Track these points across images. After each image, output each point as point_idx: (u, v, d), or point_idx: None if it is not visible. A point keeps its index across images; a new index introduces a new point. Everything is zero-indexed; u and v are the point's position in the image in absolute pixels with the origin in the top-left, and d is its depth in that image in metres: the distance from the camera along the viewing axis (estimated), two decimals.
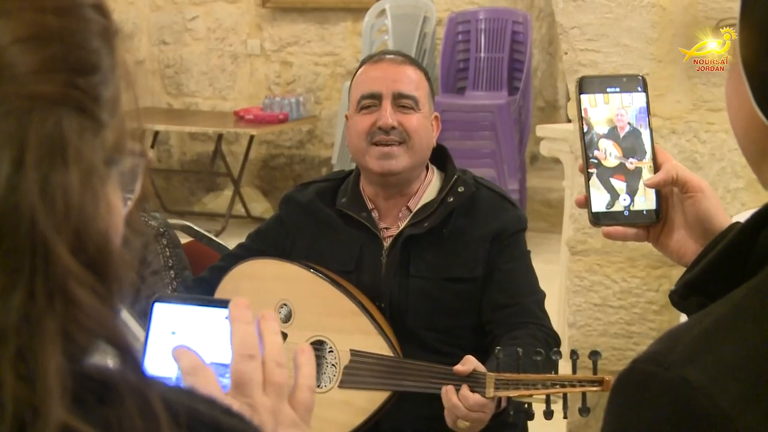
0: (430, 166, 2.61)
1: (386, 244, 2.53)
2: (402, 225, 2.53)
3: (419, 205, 2.54)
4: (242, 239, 2.75)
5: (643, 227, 1.38)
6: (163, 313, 1.05)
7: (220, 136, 7.29)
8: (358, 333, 2.43)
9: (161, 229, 2.65)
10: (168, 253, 2.62)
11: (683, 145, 2.98)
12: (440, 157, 2.62)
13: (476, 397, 2.20)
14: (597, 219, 1.37)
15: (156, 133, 7.53)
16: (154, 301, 1.04)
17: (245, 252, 2.68)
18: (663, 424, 0.85)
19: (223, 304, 1.01)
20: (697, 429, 0.83)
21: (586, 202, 1.37)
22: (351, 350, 2.43)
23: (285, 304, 2.53)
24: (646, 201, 1.38)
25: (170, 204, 7.64)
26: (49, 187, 0.70)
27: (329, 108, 7.47)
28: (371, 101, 2.52)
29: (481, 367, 2.24)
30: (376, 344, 2.41)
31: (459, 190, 2.52)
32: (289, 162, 7.70)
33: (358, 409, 2.42)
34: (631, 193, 1.38)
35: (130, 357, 0.74)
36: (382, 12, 7.01)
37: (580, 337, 3.19)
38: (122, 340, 0.73)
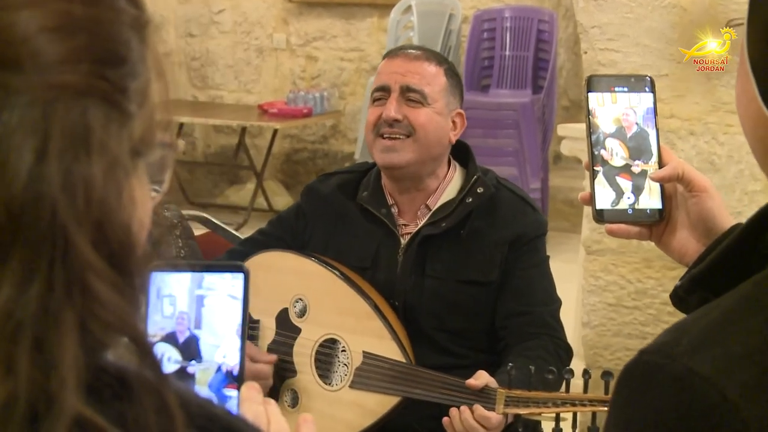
0: (453, 163, 2.59)
1: (403, 241, 2.52)
2: (420, 223, 2.51)
3: (439, 204, 2.52)
4: None
5: (646, 226, 1.39)
6: (157, 278, 1.06)
7: (243, 130, 7.31)
8: (372, 336, 2.43)
9: (174, 220, 2.67)
10: (180, 244, 2.64)
11: (701, 146, 2.97)
12: (463, 155, 2.61)
13: (497, 417, 2.20)
14: (601, 216, 1.39)
15: (181, 125, 7.56)
16: None
17: (264, 237, 2.68)
18: (670, 414, 0.85)
19: (210, 268, 1.04)
20: (704, 419, 0.83)
21: (590, 199, 1.38)
22: (364, 352, 2.43)
23: (300, 299, 2.53)
24: (650, 200, 1.39)
25: (193, 196, 7.67)
26: (72, 178, 0.69)
27: (353, 103, 7.48)
28: (381, 94, 2.53)
29: (493, 383, 2.23)
30: (389, 349, 2.41)
31: (478, 190, 2.50)
32: (312, 156, 7.72)
33: (367, 411, 2.42)
34: (636, 191, 1.39)
35: (149, 354, 0.73)
36: (408, 8, 7.01)
37: (593, 336, 3.18)
38: (141, 335, 0.73)
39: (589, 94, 1.41)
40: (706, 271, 1.01)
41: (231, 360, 1.07)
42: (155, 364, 0.73)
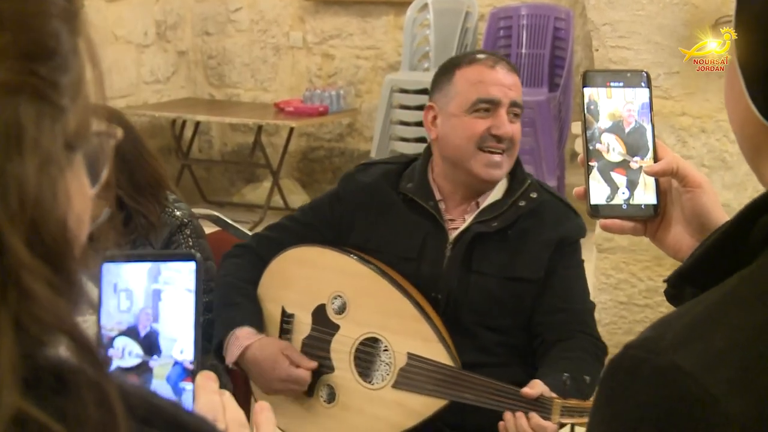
0: None
1: (451, 236, 2.52)
2: (468, 220, 2.53)
3: (487, 203, 2.54)
4: None
5: (640, 221, 1.38)
6: (112, 272, 1.06)
7: (260, 128, 7.32)
8: (418, 338, 2.43)
9: (185, 219, 2.65)
10: (191, 243, 2.63)
11: (713, 144, 2.96)
12: None
13: (553, 427, 2.20)
14: (595, 211, 1.38)
15: (197, 124, 7.58)
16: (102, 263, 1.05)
17: (293, 224, 2.67)
18: (653, 409, 0.85)
19: (168, 257, 1.04)
20: (687, 414, 0.84)
21: (585, 194, 1.38)
22: (408, 353, 2.44)
23: (339, 296, 2.53)
24: (645, 195, 1.38)
25: (210, 194, 7.69)
26: (4, 178, 0.68)
27: (369, 101, 7.48)
28: (488, 106, 2.49)
29: (548, 392, 2.24)
30: (437, 352, 2.41)
31: (532, 195, 2.52)
32: (329, 155, 7.72)
33: (411, 411, 2.43)
34: (631, 186, 1.38)
35: (88, 349, 0.73)
36: (425, 6, 7.00)
37: (605, 335, 3.18)
38: (79, 332, 0.72)
39: (585, 89, 1.40)
40: (692, 267, 1.01)
41: (188, 354, 1.07)
42: (95, 358, 0.73)
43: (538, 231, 2.50)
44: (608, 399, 0.89)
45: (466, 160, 2.50)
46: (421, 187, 2.56)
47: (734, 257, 0.94)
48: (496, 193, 2.55)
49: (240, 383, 2.82)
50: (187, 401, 1.03)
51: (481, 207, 2.53)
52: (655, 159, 1.39)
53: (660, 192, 1.38)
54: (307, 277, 2.57)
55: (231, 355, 2.51)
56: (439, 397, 2.39)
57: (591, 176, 1.38)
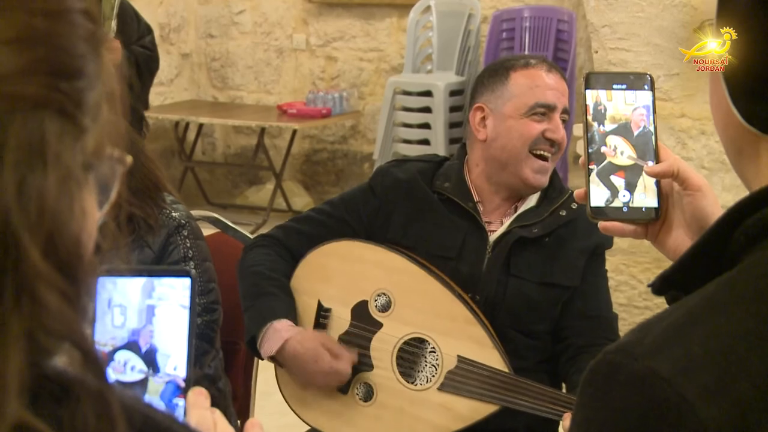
0: None
1: (491, 239, 2.53)
2: (506, 223, 2.54)
3: (524, 208, 2.56)
4: None
5: (641, 224, 1.38)
6: (107, 287, 1.07)
7: (263, 130, 7.33)
8: (470, 341, 2.42)
9: (183, 221, 2.63)
10: (188, 245, 2.61)
11: (712, 146, 2.96)
12: None
13: None
14: (596, 214, 1.38)
15: (200, 126, 7.58)
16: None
17: (324, 217, 2.64)
18: (630, 414, 0.85)
19: (163, 273, 1.04)
20: (662, 420, 0.83)
21: (585, 197, 1.38)
22: (458, 356, 2.43)
23: (384, 293, 2.51)
24: (646, 198, 1.38)
25: (213, 196, 7.69)
26: (26, 188, 0.70)
27: (373, 104, 7.48)
28: (544, 110, 2.51)
29: None
30: (491, 357, 2.41)
31: (573, 206, 2.54)
32: (332, 157, 7.72)
33: (458, 415, 2.42)
34: (631, 189, 1.38)
35: (94, 360, 0.74)
36: (428, 8, 7.01)
37: None
38: (86, 343, 0.74)
39: (587, 91, 1.39)
40: (676, 270, 1.00)
41: (181, 370, 1.07)
42: (99, 370, 0.74)
43: (573, 239, 2.53)
44: (586, 403, 0.89)
45: (517, 163, 2.51)
46: (458, 187, 2.57)
47: (717, 261, 0.94)
48: (532, 199, 2.57)
49: (240, 387, 2.82)
50: (177, 415, 1.03)
51: (519, 212, 2.55)
52: (657, 161, 1.38)
53: (661, 195, 1.38)
54: (349, 272, 2.55)
55: (269, 348, 2.46)
56: (491, 402, 2.39)
57: (590, 179, 1.37)
